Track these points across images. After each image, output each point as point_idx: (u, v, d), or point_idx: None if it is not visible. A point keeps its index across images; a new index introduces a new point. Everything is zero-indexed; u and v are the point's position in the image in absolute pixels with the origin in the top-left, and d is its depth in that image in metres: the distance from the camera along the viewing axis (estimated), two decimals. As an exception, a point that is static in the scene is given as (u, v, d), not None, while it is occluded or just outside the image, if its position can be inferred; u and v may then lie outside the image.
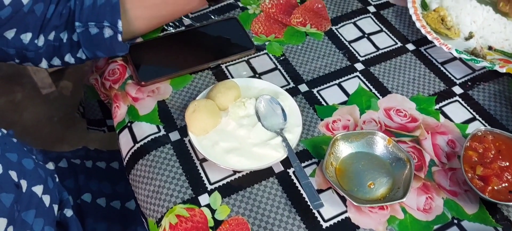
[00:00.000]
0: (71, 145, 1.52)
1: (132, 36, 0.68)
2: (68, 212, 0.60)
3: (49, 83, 1.65)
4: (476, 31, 0.70)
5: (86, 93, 0.81)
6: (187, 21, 0.74)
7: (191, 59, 0.68)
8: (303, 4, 0.77)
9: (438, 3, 0.74)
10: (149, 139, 0.59)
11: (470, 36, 0.70)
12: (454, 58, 0.69)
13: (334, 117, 0.62)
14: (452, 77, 0.67)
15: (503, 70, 0.63)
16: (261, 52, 0.70)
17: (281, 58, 0.69)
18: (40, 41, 0.61)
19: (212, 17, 0.75)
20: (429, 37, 0.67)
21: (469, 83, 0.66)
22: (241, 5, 0.77)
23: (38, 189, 0.54)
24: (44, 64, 0.64)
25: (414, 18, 0.70)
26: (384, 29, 0.74)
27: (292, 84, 0.66)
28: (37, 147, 0.72)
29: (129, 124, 0.61)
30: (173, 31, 0.72)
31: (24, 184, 0.52)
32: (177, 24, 0.73)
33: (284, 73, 0.67)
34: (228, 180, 0.55)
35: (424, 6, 0.74)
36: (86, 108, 0.85)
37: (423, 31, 0.68)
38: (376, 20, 0.75)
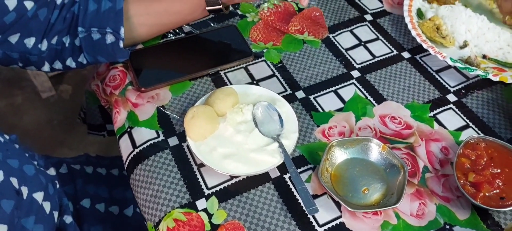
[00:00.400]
0: (70, 148, 1.53)
1: (133, 42, 0.70)
2: (68, 219, 0.61)
3: (49, 87, 1.66)
4: (471, 40, 0.71)
5: (87, 99, 0.82)
6: (187, 28, 0.75)
7: (190, 66, 0.69)
8: (301, 12, 0.78)
9: (433, 12, 0.75)
10: (148, 144, 0.60)
11: (464, 45, 0.71)
12: (449, 67, 0.70)
13: (330, 123, 0.63)
14: (447, 85, 0.68)
15: (497, 78, 0.64)
16: (259, 59, 0.71)
17: (279, 65, 0.70)
18: (43, 46, 0.62)
19: (212, 24, 0.76)
20: (424, 46, 0.68)
21: (463, 91, 0.67)
22: (240, 13, 0.78)
23: (38, 196, 0.55)
24: (46, 67, 0.65)
25: (409, 26, 0.71)
26: (380, 37, 0.75)
27: (289, 91, 0.67)
28: (37, 150, 0.73)
29: (129, 129, 0.62)
30: (173, 38, 0.73)
31: (24, 190, 0.53)
32: (177, 31, 0.74)
33: (282, 80, 0.68)
34: (225, 185, 0.56)
35: (420, 15, 0.76)
36: (87, 113, 0.86)
37: (418, 39, 0.69)
38: (372, 28, 0.76)
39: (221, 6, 0.65)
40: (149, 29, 0.68)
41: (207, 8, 0.65)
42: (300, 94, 0.66)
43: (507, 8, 0.71)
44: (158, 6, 0.65)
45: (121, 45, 0.63)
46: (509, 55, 0.70)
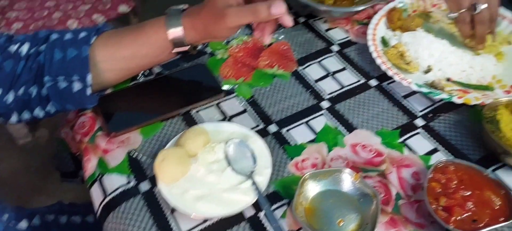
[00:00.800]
0: (48, 195, 1.49)
1: (102, 87, 0.69)
2: None
3: (25, 133, 1.63)
4: (434, 64, 0.73)
5: (58, 146, 0.81)
6: (156, 68, 0.75)
7: (161, 107, 0.69)
8: (270, 47, 0.79)
9: (397, 39, 0.77)
10: (119, 191, 0.59)
11: (428, 70, 0.73)
12: (415, 91, 0.71)
13: (303, 155, 0.63)
14: (414, 110, 0.69)
15: (461, 101, 0.66)
16: (231, 96, 0.71)
17: (251, 101, 0.71)
18: (10, 97, 0.61)
19: (181, 64, 0.76)
20: (389, 73, 0.70)
21: (431, 115, 0.68)
22: (209, 51, 0.79)
23: None
24: (14, 118, 0.65)
25: (374, 55, 0.73)
26: (347, 67, 0.76)
27: (262, 125, 0.67)
28: (14, 198, 0.71)
29: (99, 177, 0.61)
30: (142, 80, 0.73)
31: None
32: (147, 71, 0.74)
33: (254, 115, 0.69)
34: (200, 228, 0.55)
35: (384, 42, 0.78)
36: (59, 161, 0.84)
37: (383, 67, 0.71)
38: (339, 59, 0.78)
39: (188, 48, 0.65)
40: (117, 74, 0.68)
41: (174, 50, 0.65)
42: (272, 128, 0.67)
43: (466, 31, 0.73)
44: (125, 51, 0.66)
45: (89, 92, 0.63)
46: (472, 77, 0.72)
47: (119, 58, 0.66)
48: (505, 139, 0.59)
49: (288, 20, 0.60)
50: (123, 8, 1.55)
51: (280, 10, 0.58)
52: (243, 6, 0.61)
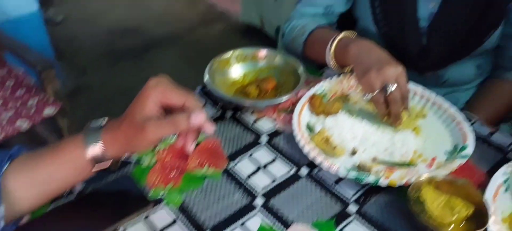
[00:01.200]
0: None
1: (18, 216, 0.63)
2: None
3: None
4: (359, 146, 0.75)
5: None
6: (78, 185, 0.71)
7: (83, 230, 0.63)
8: (199, 145, 0.78)
9: (321, 124, 0.79)
10: None
11: (354, 151, 0.75)
12: (345, 176, 0.72)
13: (241, 264, 0.60)
14: (346, 196, 0.69)
15: (386, 182, 0.67)
16: (160, 205, 0.68)
17: (181, 208, 0.68)
18: None
19: (105, 177, 0.72)
20: (317, 162, 0.71)
21: (362, 198, 0.69)
22: (134, 160, 0.76)
23: None
24: None
25: (301, 144, 0.73)
26: (278, 157, 0.76)
27: (195, 234, 0.64)
28: None
29: None
30: (62, 201, 0.68)
31: None
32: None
33: (186, 224, 0.65)
34: None
35: (310, 129, 0.79)
36: None
37: (310, 156, 0.71)
38: (269, 149, 0.78)
39: (109, 164, 0.62)
40: (34, 200, 0.63)
41: (94, 169, 0.62)
42: (206, 236, 0.64)
43: (382, 110, 0.77)
44: (42, 175, 0.61)
45: (1, 226, 0.57)
46: (395, 154, 0.75)
47: (35, 183, 0.61)
48: (432, 219, 0.60)
49: (210, 128, 0.59)
50: (49, 111, 1.48)
51: (200, 119, 0.58)
52: (162, 118, 0.60)
